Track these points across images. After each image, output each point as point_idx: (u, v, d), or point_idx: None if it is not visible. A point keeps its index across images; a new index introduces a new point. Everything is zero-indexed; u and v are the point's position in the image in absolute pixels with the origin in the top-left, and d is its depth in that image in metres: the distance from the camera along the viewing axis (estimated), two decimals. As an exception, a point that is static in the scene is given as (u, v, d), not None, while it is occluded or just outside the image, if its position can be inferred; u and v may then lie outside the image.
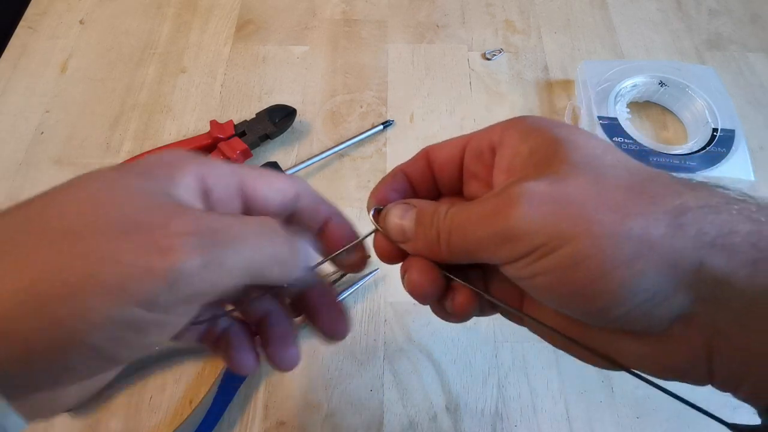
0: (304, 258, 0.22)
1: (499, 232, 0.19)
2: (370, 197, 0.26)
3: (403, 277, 0.24)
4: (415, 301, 0.23)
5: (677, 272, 0.17)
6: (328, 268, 0.27)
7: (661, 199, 0.18)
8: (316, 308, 0.26)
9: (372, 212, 0.25)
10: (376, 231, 0.25)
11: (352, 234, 0.26)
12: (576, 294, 0.19)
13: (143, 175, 0.19)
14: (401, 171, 0.26)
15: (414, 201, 0.24)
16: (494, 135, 0.23)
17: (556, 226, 0.18)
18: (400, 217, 0.23)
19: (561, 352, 0.22)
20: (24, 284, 0.15)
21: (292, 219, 0.25)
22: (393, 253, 0.24)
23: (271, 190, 0.23)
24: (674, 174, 0.20)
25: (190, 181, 0.20)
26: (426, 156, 0.26)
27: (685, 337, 0.19)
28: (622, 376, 0.41)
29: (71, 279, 0.15)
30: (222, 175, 0.21)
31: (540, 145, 0.21)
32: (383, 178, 0.26)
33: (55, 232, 0.16)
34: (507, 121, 0.23)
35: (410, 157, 0.26)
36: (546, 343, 0.23)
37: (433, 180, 0.26)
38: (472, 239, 0.20)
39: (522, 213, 0.19)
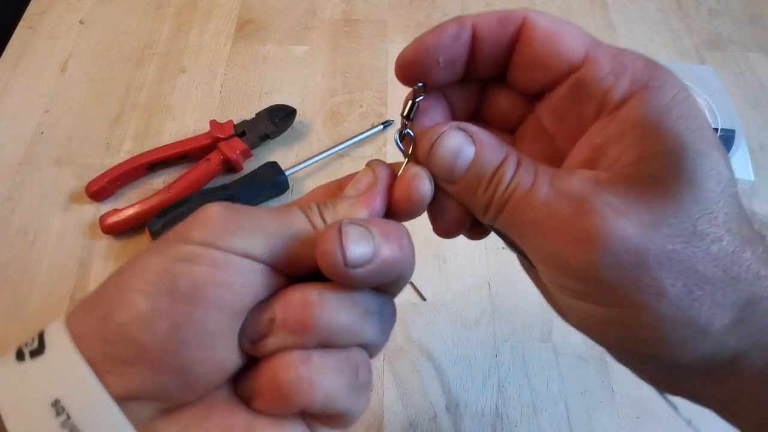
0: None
1: (562, 262, 0.17)
2: (410, 47, 0.20)
3: (431, 214, 0.21)
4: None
5: (715, 359, 0.17)
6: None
7: (739, 284, 0.16)
8: None
9: (397, 136, 0.21)
10: (407, 161, 0.20)
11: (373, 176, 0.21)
12: (611, 340, 0.18)
13: None
14: (473, 25, 0.19)
15: (475, 132, 0.19)
16: (617, 88, 0.18)
17: (626, 290, 0.16)
18: (455, 155, 0.19)
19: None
20: (112, 276, 0.18)
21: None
22: (423, 202, 0.20)
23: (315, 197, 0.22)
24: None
25: None
26: (519, 27, 0.19)
27: (692, 385, 0.19)
28: (622, 376, 0.41)
29: (139, 255, 0.18)
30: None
31: (656, 155, 0.17)
32: (442, 26, 0.19)
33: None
34: (644, 74, 0.17)
35: (494, 10, 0.19)
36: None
37: (507, 56, 0.20)
38: (524, 236, 0.18)
39: (595, 262, 0.16)
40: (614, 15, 0.65)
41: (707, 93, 0.54)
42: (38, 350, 0.16)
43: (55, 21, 0.63)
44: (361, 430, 0.40)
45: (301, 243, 0.19)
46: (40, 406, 0.16)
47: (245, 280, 0.18)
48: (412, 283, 0.45)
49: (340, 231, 0.18)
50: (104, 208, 0.49)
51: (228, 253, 0.17)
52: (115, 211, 0.47)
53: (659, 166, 0.17)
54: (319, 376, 0.18)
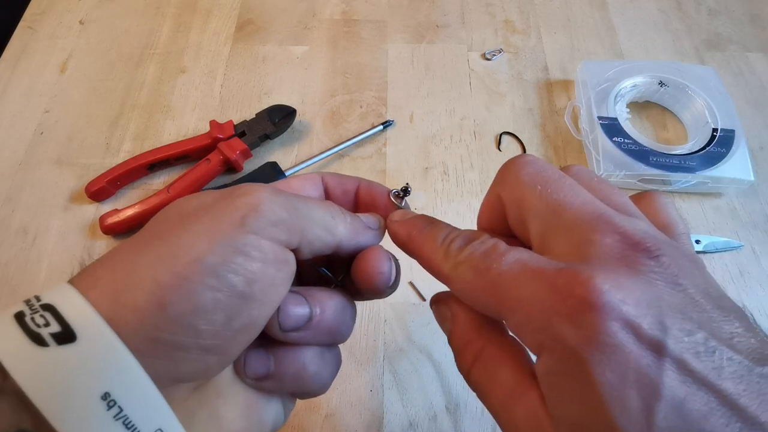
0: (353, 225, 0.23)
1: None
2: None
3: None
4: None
5: None
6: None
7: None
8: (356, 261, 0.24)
9: (392, 192, 0.26)
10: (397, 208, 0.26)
11: (384, 189, 0.27)
12: None
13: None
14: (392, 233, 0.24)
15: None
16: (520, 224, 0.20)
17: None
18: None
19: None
20: (155, 257, 0.18)
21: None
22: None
23: (304, 185, 0.25)
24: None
25: None
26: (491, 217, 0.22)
27: None
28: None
29: (179, 232, 0.18)
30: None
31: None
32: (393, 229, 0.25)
33: (160, 223, 0.20)
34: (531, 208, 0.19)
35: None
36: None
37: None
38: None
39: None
40: (614, 15, 0.65)
41: (707, 93, 0.54)
42: (65, 335, 0.15)
43: (55, 21, 0.63)
44: (361, 430, 0.40)
45: (324, 234, 0.21)
46: (89, 400, 0.15)
47: (287, 274, 0.20)
48: (411, 284, 0.45)
49: (391, 261, 0.23)
50: (104, 208, 0.49)
51: (278, 246, 0.19)
52: (115, 211, 0.47)
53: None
54: (325, 370, 0.22)
